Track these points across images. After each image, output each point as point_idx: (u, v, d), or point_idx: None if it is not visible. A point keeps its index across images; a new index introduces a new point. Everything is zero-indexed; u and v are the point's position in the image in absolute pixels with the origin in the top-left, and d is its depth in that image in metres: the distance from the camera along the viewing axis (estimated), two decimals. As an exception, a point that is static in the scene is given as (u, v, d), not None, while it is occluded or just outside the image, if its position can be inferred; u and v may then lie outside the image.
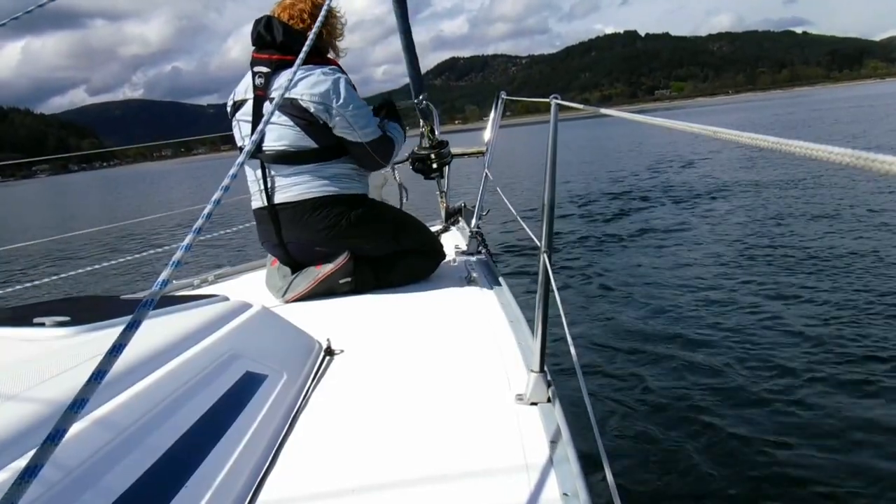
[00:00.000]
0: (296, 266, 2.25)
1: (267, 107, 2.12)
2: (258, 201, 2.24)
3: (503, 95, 3.24)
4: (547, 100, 1.49)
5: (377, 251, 2.23)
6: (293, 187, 2.16)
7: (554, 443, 1.00)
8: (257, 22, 2.18)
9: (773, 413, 2.83)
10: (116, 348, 0.55)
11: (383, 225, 2.26)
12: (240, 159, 0.86)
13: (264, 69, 2.15)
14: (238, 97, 2.27)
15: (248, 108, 2.19)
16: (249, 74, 2.20)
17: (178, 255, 0.64)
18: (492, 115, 3.28)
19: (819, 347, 3.50)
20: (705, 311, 4.32)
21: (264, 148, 2.15)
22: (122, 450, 0.79)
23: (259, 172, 2.19)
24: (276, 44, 2.14)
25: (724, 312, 4.23)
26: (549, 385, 1.17)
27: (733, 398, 3.00)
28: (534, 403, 1.16)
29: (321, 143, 2.15)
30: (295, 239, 2.19)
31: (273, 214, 2.19)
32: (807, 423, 2.73)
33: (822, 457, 2.46)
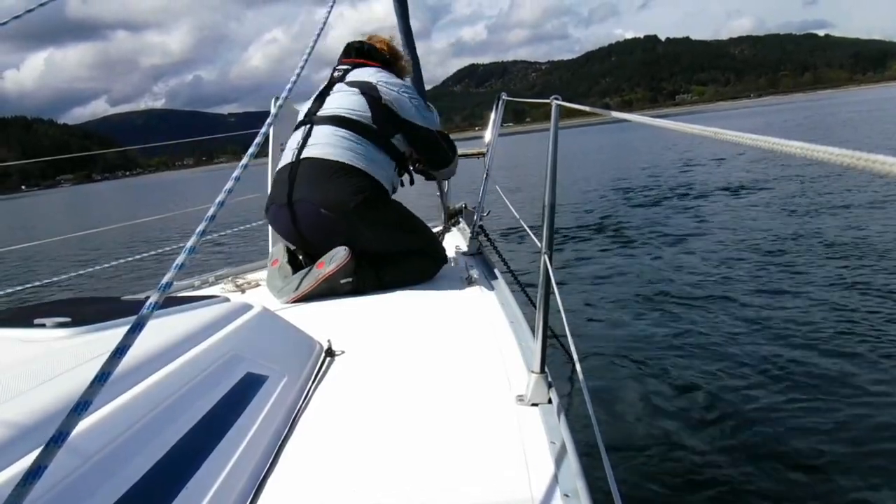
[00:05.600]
0: (295, 252, 2.30)
1: (339, 86, 2.39)
2: (287, 159, 2.31)
3: (504, 97, 3.25)
4: (547, 101, 1.49)
5: (377, 243, 2.24)
6: (329, 147, 2.23)
7: (554, 444, 1.00)
8: (349, 44, 2.56)
9: (776, 414, 2.83)
10: (120, 350, 0.55)
11: (390, 217, 2.29)
12: (250, 150, 0.87)
13: (345, 67, 2.48)
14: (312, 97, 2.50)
15: (318, 91, 2.43)
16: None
17: (181, 257, 0.64)
18: (492, 116, 3.29)
19: (821, 349, 3.50)
20: (706, 311, 4.32)
21: (320, 112, 2.32)
22: (123, 451, 0.79)
23: (305, 131, 2.30)
24: (363, 52, 2.53)
25: (726, 313, 4.23)
26: (549, 386, 1.17)
27: (735, 398, 2.99)
28: (534, 404, 1.16)
29: (377, 124, 2.28)
30: (306, 196, 2.20)
31: (295, 169, 2.24)
32: (810, 424, 2.72)
33: (825, 459, 2.46)
